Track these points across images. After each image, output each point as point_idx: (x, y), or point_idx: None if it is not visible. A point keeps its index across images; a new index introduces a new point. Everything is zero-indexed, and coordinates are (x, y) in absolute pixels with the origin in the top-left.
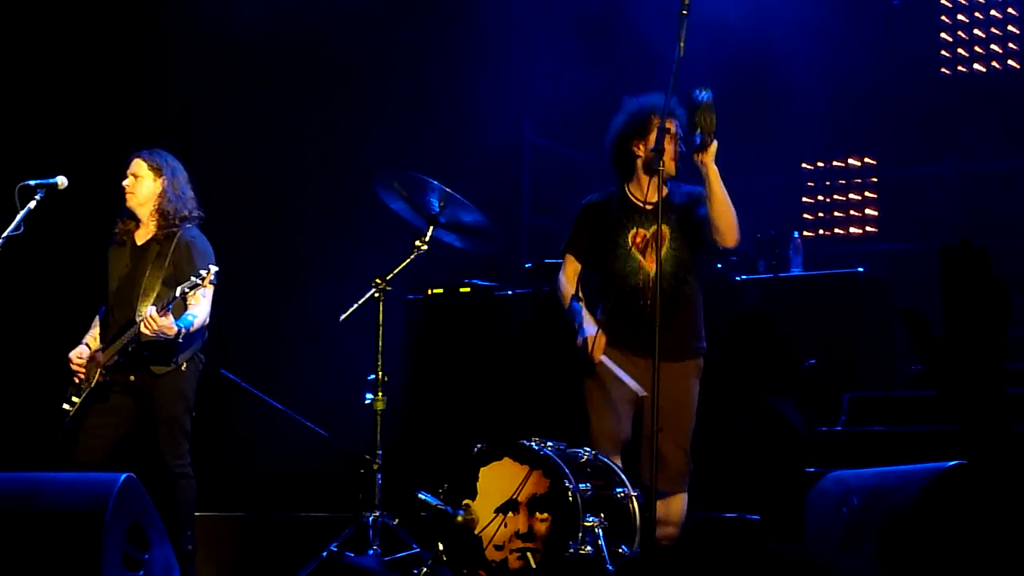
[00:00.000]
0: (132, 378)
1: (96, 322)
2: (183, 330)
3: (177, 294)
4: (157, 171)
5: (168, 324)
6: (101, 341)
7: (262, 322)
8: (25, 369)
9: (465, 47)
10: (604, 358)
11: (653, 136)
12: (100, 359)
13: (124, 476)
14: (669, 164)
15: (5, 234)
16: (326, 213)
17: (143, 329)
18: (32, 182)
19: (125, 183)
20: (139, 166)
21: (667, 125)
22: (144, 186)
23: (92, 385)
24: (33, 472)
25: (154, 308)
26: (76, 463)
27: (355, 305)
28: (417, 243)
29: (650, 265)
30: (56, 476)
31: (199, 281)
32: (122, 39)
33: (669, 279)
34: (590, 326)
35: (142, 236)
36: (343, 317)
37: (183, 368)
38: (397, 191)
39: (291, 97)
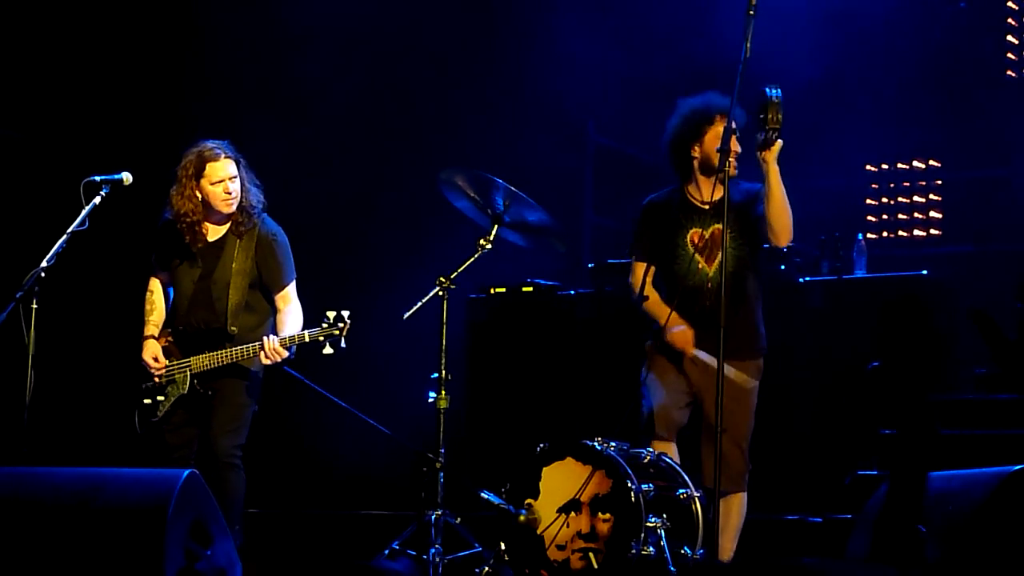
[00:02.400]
0: (211, 386)
1: (152, 305)
2: (291, 357)
3: (308, 338)
4: (239, 162)
5: (283, 352)
6: (177, 342)
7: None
8: (90, 364)
9: (531, 47)
10: (698, 351)
11: (707, 137)
12: (193, 365)
13: (187, 472)
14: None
15: (70, 230)
16: (392, 211)
17: (264, 359)
18: (97, 177)
19: (227, 189)
20: (233, 166)
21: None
22: (239, 185)
23: (185, 392)
24: (96, 467)
25: (277, 340)
26: (168, 448)
27: (419, 303)
28: (481, 242)
29: (709, 265)
30: (119, 472)
31: (335, 331)
32: (185, 38)
33: (728, 278)
34: (677, 323)
35: (214, 233)
36: (407, 315)
37: (256, 370)
38: (462, 190)
39: (359, 95)
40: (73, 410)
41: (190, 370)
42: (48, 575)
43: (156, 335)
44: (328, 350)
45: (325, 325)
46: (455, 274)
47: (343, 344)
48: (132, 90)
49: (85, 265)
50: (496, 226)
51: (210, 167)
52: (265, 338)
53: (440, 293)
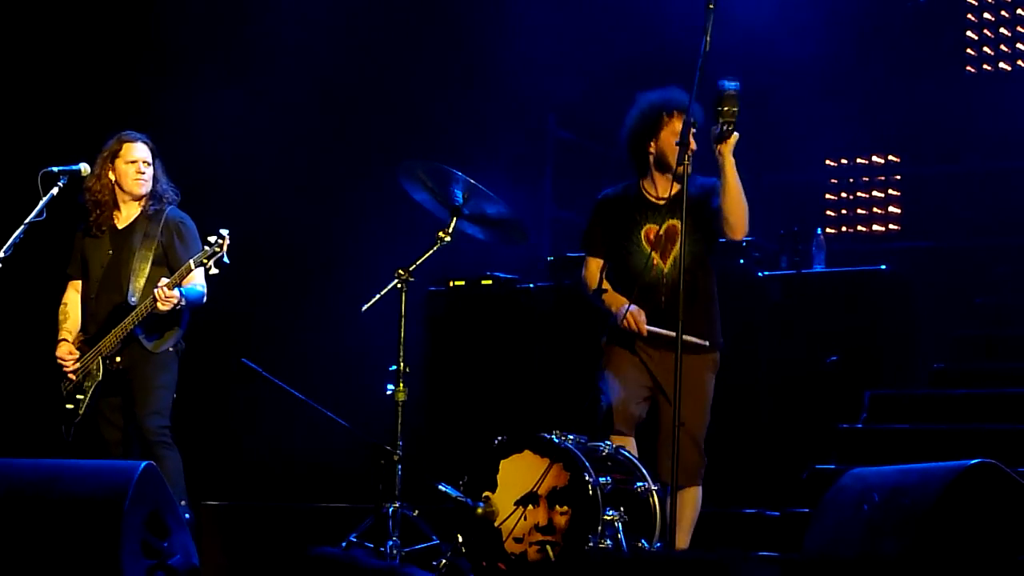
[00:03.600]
0: (119, 359)
1: (65, 314)
2: (184, 299)
3: (193, 265)
4: (155, 154)
5: (175, 293)
6: (86, 331)
7: (284, 312)
8: (47, 355)
9: (491, 39)
10: (651, 327)
11: (663, 133)
12: (102, 348)
13: (144, 464)
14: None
15: (27, 220)
16: (350, 203)
17: (160, 306)
18: (55, 168)
19: (139, 170)
20: (147, 151)
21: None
22: (151, 172)
23: (100, 378)
24: (52, 459)
25: (165, 282)
26: (103, 442)
27: (377, 296)
28: (440, 234)
29: (664, 261)
30: (75, 463)
31: (217, 248)
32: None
33: (684, 274)
34: (625, 305)
35: (123, 220)
36: (365, 308)
37: (171, 350)
38: (421, 181)
39: (315, 86)
40: (29, 401)
41: (100, 353)
42: (4, 566)
43: (69, 339)
44: (215, 270)
45: (206, 248)
46: (413, 266)
47: (226, 260)
48: (93, 80)
49: (42, 256)
50: (455, 219)
51: (126, 147)
52: (155, 288)
53: (399, 286)
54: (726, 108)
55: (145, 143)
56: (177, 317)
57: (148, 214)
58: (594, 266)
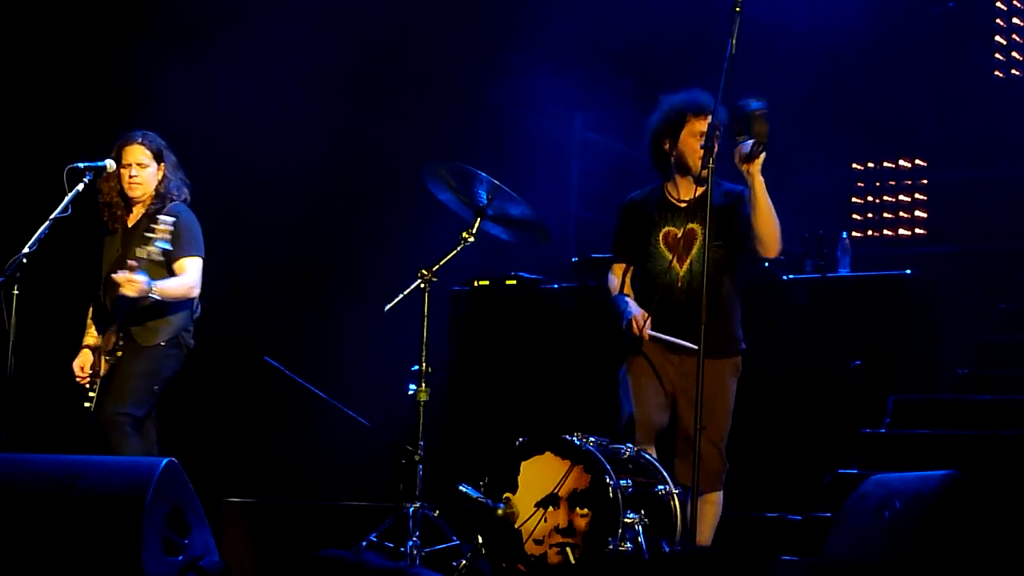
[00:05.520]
0: (119, 355)
1: (90, 321)
2: (152, 286)
3: (145, 256)
4: (159, 156)
5: (137, 278)
6: (100, 332)
7: (308, 310)
8: (71, 351)
9: (519, 40)
10: (655, 332)
11: (682, 136)
12: (105, 346)
13: (166, 460)
14: (698, 165)
15: (53, 216)
16: (375, 203)
17: (124, 291)
18: (81, 164)
19: (131, 173)
20: (141, 153)
21: (705, 125)
22: (148, 174)
23: (104, 371)
24: (75, 455)
25: (126, 269)
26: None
27: (400, 295)
28: (464, 234)
29: (680, 264)
30: (97, 459)
31: (151, 235)
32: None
33: (700, 278)
34: (635, 307)
35: (132, 220)
36: (388, 307)
37: (162, 344)
38: (445, 182)
39: (341, 86)
40: (53, 397)
41: (104, 351)
42: (25, 562)
43: (91, 343)
44: (167, 246)
45: (146, 235)
46: (437, 266)
47: (161, 245)
48: (115, 79)
49: (68, 251)
50: (479, 219)
51: (123, 151)
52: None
53: (422, 285)
54: (757, 128)
55: (143, 143)
56: (164, 309)
57: (150, 213)
58: (617, 270)
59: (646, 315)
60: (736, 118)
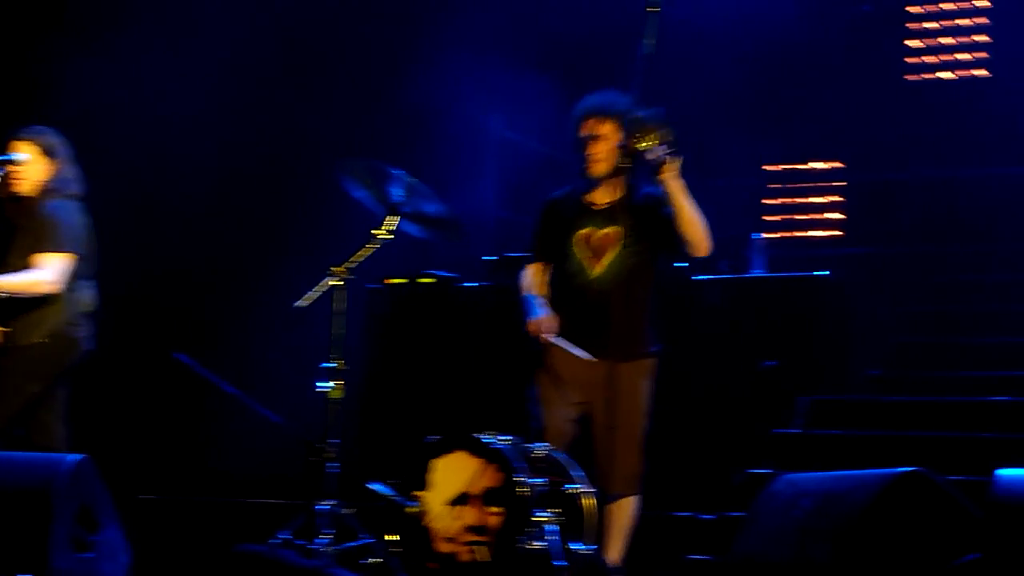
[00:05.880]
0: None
1: None
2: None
3: None
4: (48, 152)
5: None
6: None
7: (222, 307)
8: None
9: (439, 38)
10: (553, 337)
11: (594, 138)
12: None
13: (78, 457)
14: (594, 166)
15: None
16: (291, 199)
17: None
18: None
19: (13, 170)
20: (20, 151)
21: (601, 127)
22: (33, 170)
23: None
24: None
25: None
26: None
27: (311, 292)
28: (378, 232)
29: (596, 267)
30: (7, 455)
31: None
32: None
33: (616, 281)
34: (542, 310)
35: (23, 216)
36: (298, 304)
37: (42, 341)
38: (361, 179)
39: (257, 81)
40: None
41: None
42: None
43: None
44: None
45: None
46: (349, 264)
47: None
48: (26, 72)
49: None
50: (394, 216)
51: (10, 147)
52: None
53: (335, 282)
54: (659, 135)
55: (29, 139)
56: (36, 304)
57: (34, 209)
58: (532, 269)
59: (552, 318)
60: (634, 128)
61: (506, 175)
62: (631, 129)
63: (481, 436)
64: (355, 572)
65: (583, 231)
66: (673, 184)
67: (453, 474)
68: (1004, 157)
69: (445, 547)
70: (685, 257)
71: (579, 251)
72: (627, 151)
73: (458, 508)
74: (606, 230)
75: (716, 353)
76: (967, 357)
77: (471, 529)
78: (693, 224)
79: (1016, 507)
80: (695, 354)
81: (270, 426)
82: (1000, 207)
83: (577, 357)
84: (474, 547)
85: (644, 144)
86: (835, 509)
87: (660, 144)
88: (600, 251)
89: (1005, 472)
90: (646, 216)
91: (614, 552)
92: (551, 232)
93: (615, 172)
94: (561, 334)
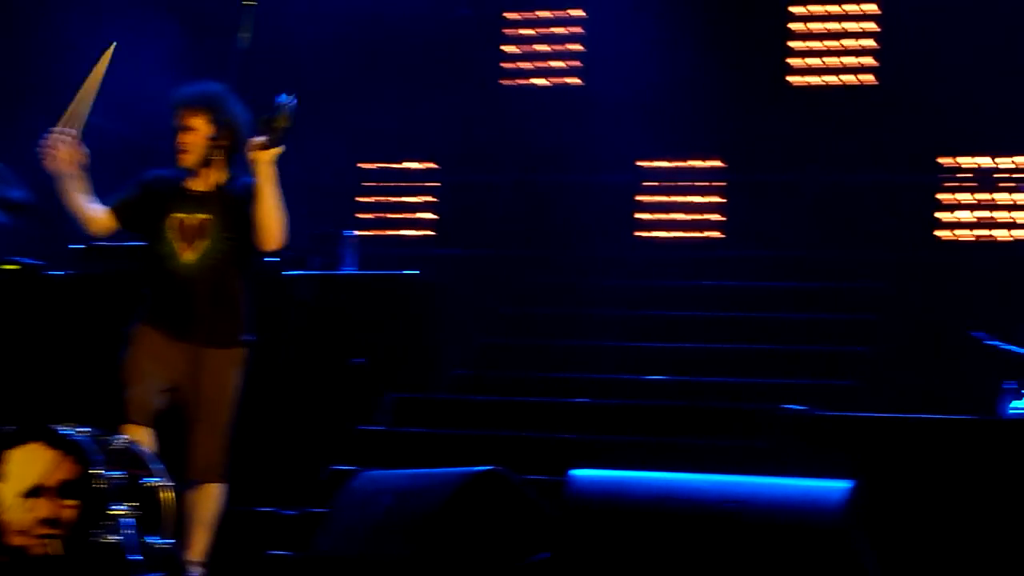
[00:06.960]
0: None
1: None
2: None
3: None
4: None
5: None
6: None
7: None
8: None
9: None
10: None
11: (182, 127)
12: None
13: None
14: (183, 156)
15: None
16: None
17: None
18: None
19: None
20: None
21: (192, 119)
22: None
23: None
24: None
25: None
26: None
27: None
28: None
29: (188, 252)
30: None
31: None
32: None
33: (206, 268)
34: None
35: None
36: None
37: None
38: None
39: None
40: None
41: None
42: None
43: None
44: None
45: None
46: None
47: None
48: None
49: None
50: None
51: None
52: None
53: None
54: (278, 123)
55: None
56: None
57: None
58: (106, 218)
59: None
60: (265, 113)
61: (103, 162)
62: (265, 113)
63: (58, 427)
64: None
65: (177, 215)
66: (265, 169)
67: (28, 466)
68: (591, 165)
69: (17, 540)
70: (275, 252)
71: (172, 235)
72: (217, 144)
73: (32, 500)
74: (199, 217)
75: (305, 349)
76: (550, 359)
77: (44, 522)
78: (271, 214)
79: (587, 507)
80: (284, 349)
81: None
82: (584, 213)
83: (163, 337)
84: (46, 540)
85: (272, 129)
86: (413, 506)
87: (282, 132)
88: (191, 237)
89: (578, 472)
90: (240, 206)
91: (198, 546)
92: (139, 201)
93: (204, 163)
94: (152, 316)
